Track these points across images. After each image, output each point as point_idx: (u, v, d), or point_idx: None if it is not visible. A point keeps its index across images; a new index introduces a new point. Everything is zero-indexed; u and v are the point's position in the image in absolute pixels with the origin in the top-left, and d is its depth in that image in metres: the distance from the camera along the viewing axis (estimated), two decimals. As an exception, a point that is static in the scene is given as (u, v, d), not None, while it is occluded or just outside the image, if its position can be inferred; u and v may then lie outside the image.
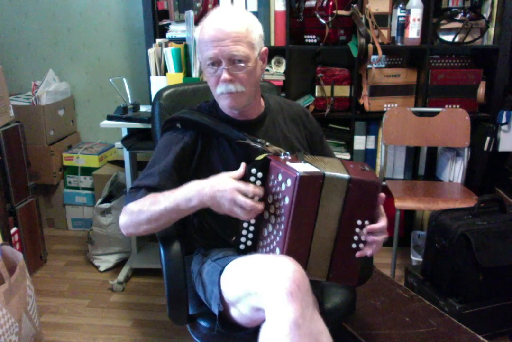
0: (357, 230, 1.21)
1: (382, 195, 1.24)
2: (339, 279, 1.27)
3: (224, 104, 1.36)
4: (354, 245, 1.22)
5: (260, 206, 1.17)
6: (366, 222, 1.21)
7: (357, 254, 1.22)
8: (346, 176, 1.18)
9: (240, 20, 1.30)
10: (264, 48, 1.38)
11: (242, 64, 1.29)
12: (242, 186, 1.16)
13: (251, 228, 1.24)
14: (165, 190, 1.27)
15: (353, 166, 1.26)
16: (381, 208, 1.28)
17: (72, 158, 2.88)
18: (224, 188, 1.16)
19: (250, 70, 1.31)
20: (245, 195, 1.15)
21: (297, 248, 1.17)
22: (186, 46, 2.27)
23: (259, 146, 1.31)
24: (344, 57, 2.63)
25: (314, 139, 1.55)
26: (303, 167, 1.16)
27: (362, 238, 1.22)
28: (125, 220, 1.30)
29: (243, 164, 1.21)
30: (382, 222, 1.23)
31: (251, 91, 1.35)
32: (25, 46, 2.99)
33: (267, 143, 1.32)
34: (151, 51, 2.28)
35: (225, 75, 1.28)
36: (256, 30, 1.32)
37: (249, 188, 1.16)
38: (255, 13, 2.29)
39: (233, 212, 1.17)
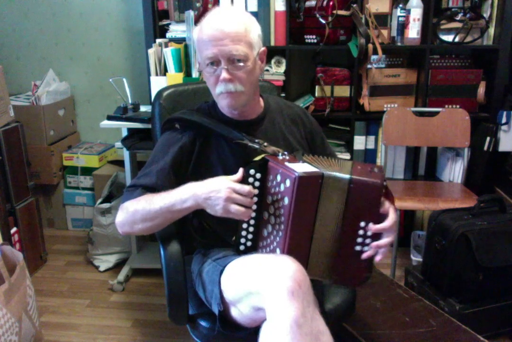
0: (360, 232, 1.20)
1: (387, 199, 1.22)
2: (342, 281, 1.27)
3: (223, 104, 1.36)
4: (358, 247, 1.21)
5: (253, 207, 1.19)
6: (371, 224, 1.20)
7: (364, 255, 1.21)
8: (347, 176, 1.17)
9: (239, 19, 1.30)
10: (263, 48, 1.38)
11: (241, 64, 1.29)
12: (237, 185, 1.16)
13: (251, 229, 1.24)
14: (162, 190, 1.27)
15: (360, 168, 1.24)
16: (391, 208, 1.25)
17: (72, 158, 2.88)
18: (219, 188, 1.16)
19: (249, 70, 1.31)
20: (240, 194, 1.15)
21: (297, 248, 1.17)
22: (186, 46, 2.27)
23: (257, 146, 1.31)
24: (344, 57, 2.63)
25: (315, 139, 1.55)
26: (301, 167, 1.16)
27: (367, 240, 1.21)
28: (121, 218, 1.30)
29: (241, 169, 1.21)
30: (386, 223, 1.21)
31: (250, 91, 1.35)
32: (25, 46, 2.99)
33: (265, 144, 1.32)
34: (151, 51, 2.28)
35: (224, 75, 1.28)
36: (254, 29, 1.33)
37: (245, 187, 1.16)
38: (255, 13, 2.30)
39: (228, 212, 1.17)
